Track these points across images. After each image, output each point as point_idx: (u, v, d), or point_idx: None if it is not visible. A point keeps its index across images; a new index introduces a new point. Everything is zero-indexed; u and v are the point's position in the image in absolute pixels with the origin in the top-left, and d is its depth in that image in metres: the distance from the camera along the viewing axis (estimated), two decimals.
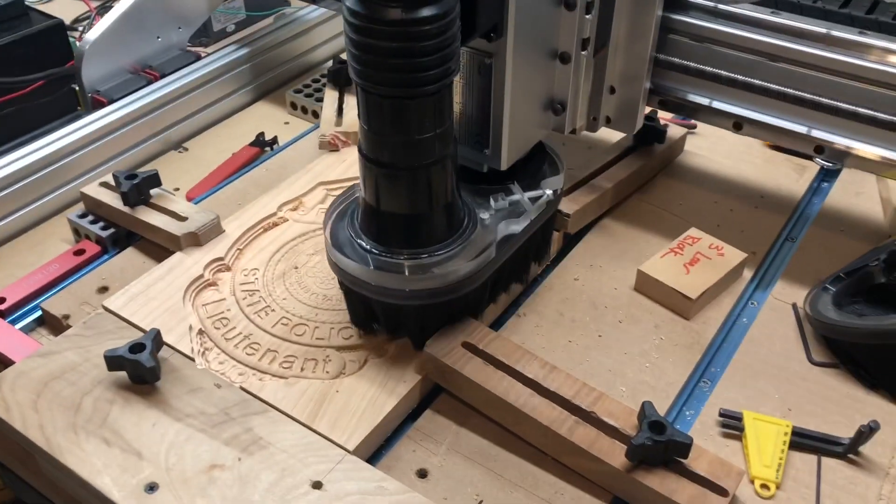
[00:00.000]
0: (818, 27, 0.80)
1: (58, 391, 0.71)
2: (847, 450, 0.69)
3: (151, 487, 0.64)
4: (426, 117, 0.63)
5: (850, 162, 0.82)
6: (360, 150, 0.68)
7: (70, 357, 0.74)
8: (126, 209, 0.89)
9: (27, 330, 0.82)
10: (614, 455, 0.65)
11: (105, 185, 0.93)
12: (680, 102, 0.89)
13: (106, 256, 0.90)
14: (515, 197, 0.77)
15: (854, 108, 0.79)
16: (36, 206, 0.96)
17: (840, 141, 0.81)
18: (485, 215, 0.75)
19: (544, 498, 0.66)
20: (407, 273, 0.69)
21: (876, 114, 0.78)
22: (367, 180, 0.69)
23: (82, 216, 0.92)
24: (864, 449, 0.69)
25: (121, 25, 1.09)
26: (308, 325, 0.77)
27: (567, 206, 0.87)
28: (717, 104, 0.87)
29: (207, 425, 0.68)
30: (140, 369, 0.70)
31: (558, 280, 0.87)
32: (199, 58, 1.16)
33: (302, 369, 0.73)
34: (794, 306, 0.83)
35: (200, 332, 0.77)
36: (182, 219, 0.87)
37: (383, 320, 0.74)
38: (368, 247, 0.71)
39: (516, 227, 0.74)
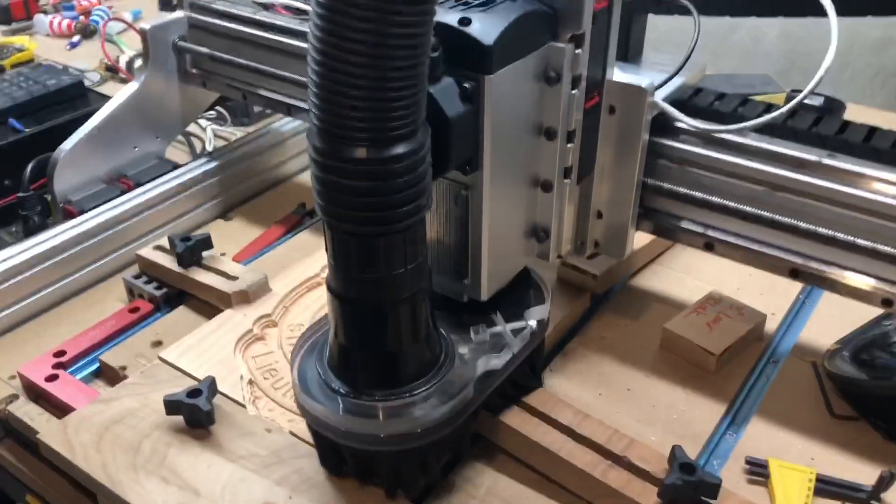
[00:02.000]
0: (815, 156, 0.75)
1: (118, 434, 0.75)
2: (870, 496, 0.72)
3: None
4: (396, 254, 0.60)
5: (828, 285, 0.78)
6: (328, 287, 0.64)
7: (129, 403, 0.78)
8: (180, 269, 0.95)
9: (86, 381, 0.87)
10: (646, 496, 0.68)
11: (159, 248, 1.00)
12: (671, 228, 0.85)
13: (158, 314, 0.96)
14: (497, 329, 0.73)
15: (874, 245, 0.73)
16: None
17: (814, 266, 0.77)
18: (464, 349, 0.71)
19: None
20: (377, 416, 0.66)
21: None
22: (335, 317, 0.65)
23: (137, 276, 0.99)
24: (887, 496, 0.72)
25: (97, 135, 1.09)
26: None
27: (594, 266, 0.92)
28: (712, 232, 0.82)
29: (259, 466, 0.72)
30: (197, 413, 0.74)
31: (586, 338, 0.91)
32: (176, 167, 1.15)
33: None
34: (814, 364, 0.87)
35: (251, 381, 0.82)
36: (233, 278, 0.93)
37: (352, 466, 0.70)
38: (337, 387, 0.67)
39: (497, 362, 0.70)
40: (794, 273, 0.78)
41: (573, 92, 0.69)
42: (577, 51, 0.67)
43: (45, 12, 1.92)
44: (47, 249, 0.96)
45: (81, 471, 0.72)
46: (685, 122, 0.79)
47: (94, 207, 1.04)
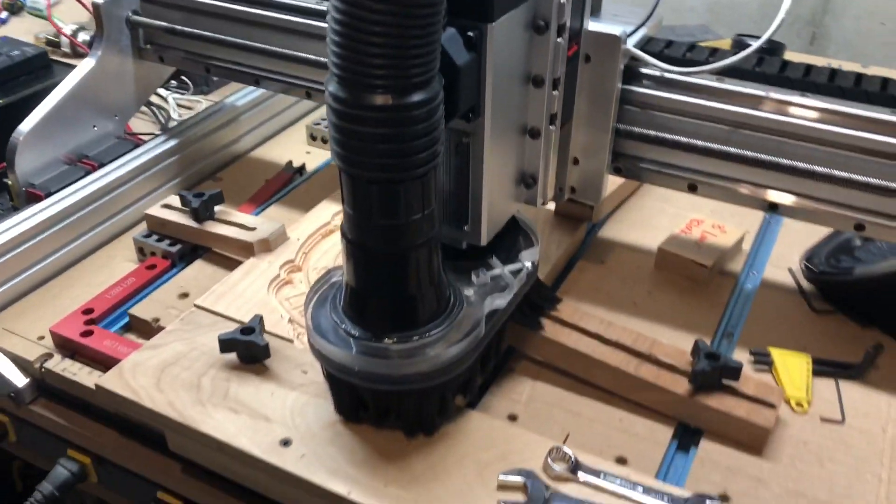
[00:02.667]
0: (769, 92, 0.80)
1: (175, 374, 0.78)
2: (859, 371, 0.83)
3: (286, 443, 0.71)
4: (414, 200, 0.62)
5: (805, 216, 0.84)
6: (343, 235, 0.66)
7: (178, 347, 0.81)
8: (196, 225, 0.97)
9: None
10: (677, 384, 0.77)
11: (167, 206, 1.01)
12: (638, 169, 0.88)
13: (175, 270, 0.98)
14: (497, 271, 0.76)
15: (793, 164, 0.80)
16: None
17: (788, 199, 0.83)
18: (469, 292, 0.74)
19: (620, 429, 0.77)
20: (398, 357, 0.68)
21: (821, 169, 0.79)
22: (352, 265, 0.67)
23: (147, 236, 1.00)
24: (872, 372, 0.83)
25: (55, 116, 1.06)
26: None
27: None
28: (672, 171, 0.86)
29: (320, 391, 0.76)
30: (253, 349, 0.78)
31: (589, 262, 0.99)
32: (137, 145, 1.13)
33: None
34: (790, 270, 0.98)
35: (290, 320, 0.85)
36: (251, 229, 0.96)
37: (373, 408, 0.72)
38: (356, 333, 0.69)
39: (501, 301, 0.74)
40: (773, 207, 0.83)
41: (558, 40, 0.72)
42: (562, 0, 0.71)
43: None
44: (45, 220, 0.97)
45: (149, 410, 0.74)
46: (660, 67, 0.82)
47: (60, 189, 1.01)
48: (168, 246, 0.98)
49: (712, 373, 0.75)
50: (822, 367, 0.83)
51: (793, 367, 0.83)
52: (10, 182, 1.05)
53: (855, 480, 0.72)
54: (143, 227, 1.02)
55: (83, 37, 1.56)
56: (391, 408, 0.72)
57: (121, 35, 1.11)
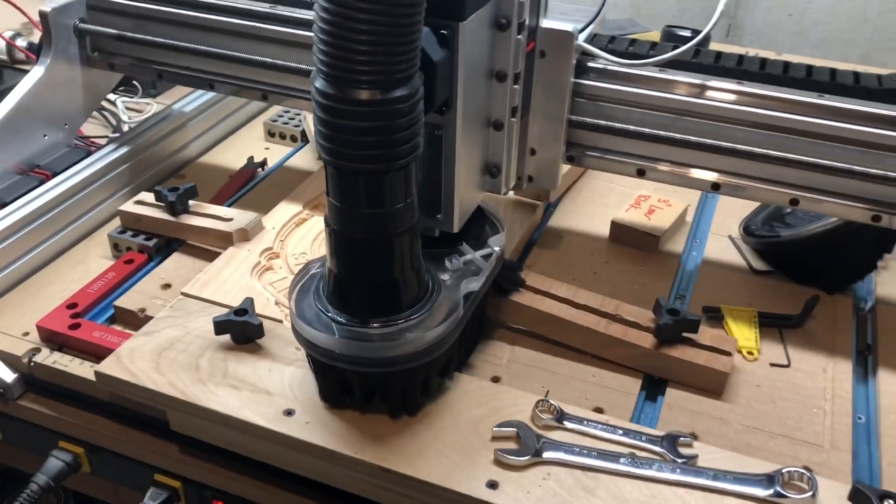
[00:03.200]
0: (703, 80, 0.86)
1: (173, 357, 0.81)
2: (799, 321, 0.92)
3: (289, 412, 0.76)
4: (398, 189, 0.66)
5: (745, 194, 0.89)
6: (328, 225, 0.69)
7: (171, 332, 0.84)
8: (172, 218, 1.00)
9: None
10: (642, 339, 0.84)
11: (139, 202, 1.04)
12: (590, 157, 0.93)
13: (153, 263, 1.00)
14: (468, 256, 0.81)
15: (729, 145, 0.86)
16: None
17: (729, 179, 0.88)
18: (444, 277, 0.78)
19: (594, 383, 0.84)
20: (382, 341, 0.71)
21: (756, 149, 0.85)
22: (337, 254, 0.70)
23: (122, 232, 1.02)
24: (811, 321, 0.92)
25: (5, 126, 1.05)
26: None
27: None
28: (622, 158, 0.91)
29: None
30: (248, 329, 0.82)
31: (548, 238, 1.07)
32: (88, 153, 1.13)
33: None
34: (730, 237, 1.07)
35: (276, 302, 0.89)
36: (228, 220, 0.99)
37: (359, 392, 0.75)
38: (341, 319, 0.72)
39: (475, 284, 0.78)
40: (715, 187, 0.89)
41: (519, 37, 0.78)
42: (521, 0, 0.76)
43: None
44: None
45: (152, 391, 0.77)
46: (611, 60, 0.87)
47: (14, 200, 1.01)
48: (144, 241, 1.01)
49: (674, 326, 0.83)
50: (767, 320, 0.92)
51: (741, 320, 0.91)
52: None
53: (803, 414, 0.81)
54: (116, 224, 1.04)
55: (21, 42, 1.56)
56: (376, 391, 0.75)
57: (69, 43, 1.10)
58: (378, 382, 0.74)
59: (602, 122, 0.90)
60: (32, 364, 0.87)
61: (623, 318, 0.86)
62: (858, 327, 0.94)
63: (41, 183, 1.04)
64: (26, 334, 0.90)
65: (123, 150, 1.13)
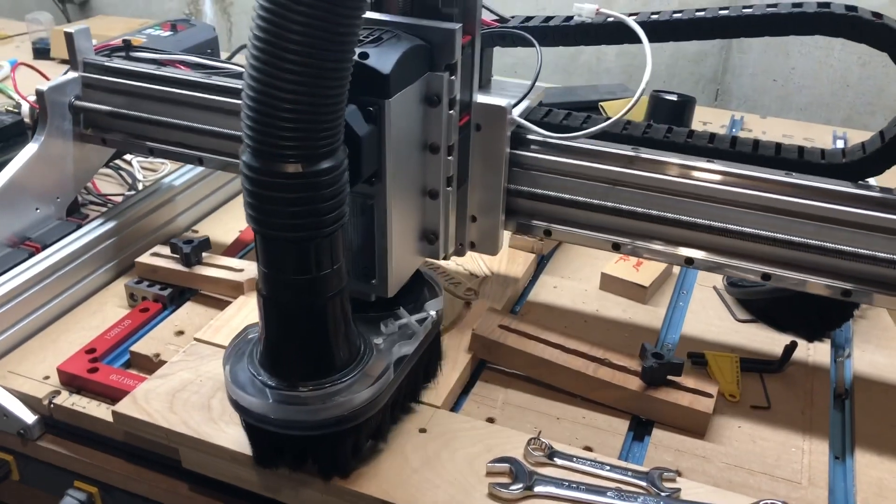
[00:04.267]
0: (636, 153, 0.89)
1: (185, 399, 0.86)
2: (779, 366, 0.97)
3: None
4: (324, 257, 0.68)
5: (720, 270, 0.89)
6: (259, 292, 0.71)
7: (184, 375, 0.89)
8: (186, 269, 1.06)
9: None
10: (629, 382, 0.89)
11: (156, 254, 1.10)
12: (531, 226, 0.95)
13: (167, 311, 1.06)
14: (403, 321, 0.82)
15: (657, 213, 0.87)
16: None
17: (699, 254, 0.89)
18: (378, 340, 0.79)
19: (584, 424, 0.89)
20: (312, 404, 0.73)
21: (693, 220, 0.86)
22: (267, 319, 0.72)
23: (138, 282, 1.08)
24: (790, 366, 0.97)
25: None
26: None
27: None
28: (563, 227, 0.93)
29: None
30: None
31: (542, 289, 1.12)
32: (79, 226, 1.14)
33: None
34: (715, 287, 1.13)
35: None
36: (239, 270, 1.05)
37: (290, 455, 0.77)
38: (271, 383, 0.73)
39: (408, 348, 0.80)
40: (616, 246, 0.91)
41: (450, 112, 0.81)
42: (451, 77, 0.79)
43: None
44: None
45: (165, 429, 0.82)
46: (541, 133, 0.90)
47: (3, 273, 1.02)
48: (159, 290, 1.07)
49: (659, 369, 0.88)
50: (749, 365, 0.97)
51: (724, 365, 0.96)
52: None
53: (782, 453, 0.86)
54: (110, 291, 1.11)
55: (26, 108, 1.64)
56: (307, 453, 0.77)
57: (63, 120, 1.13)
58: (308, 445, 0.76)
59: (538, 191, 0.92)
60: (52, 406, 0.92)
61: (611, 363, 0.91)
62: (836, 372, 0.98)
63: (31, 255, 1.06)
64: (47, 378, 0.95)
65: (112, 223, 1.14)
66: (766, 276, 0.86)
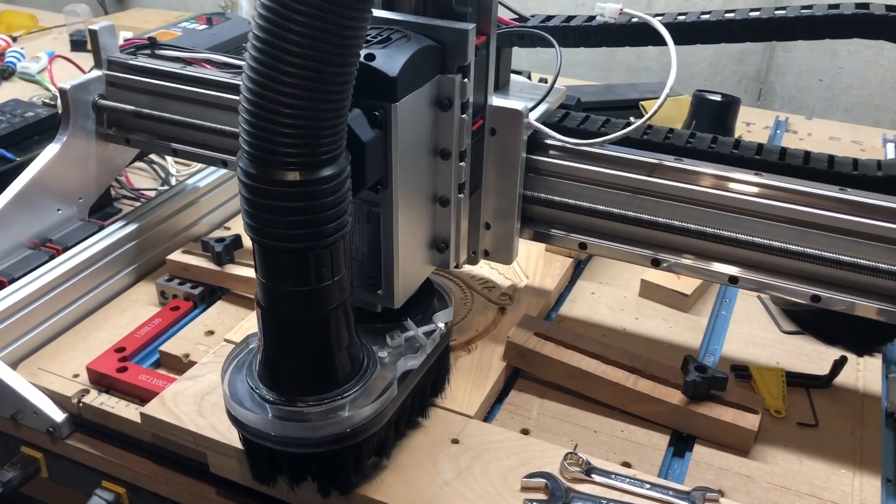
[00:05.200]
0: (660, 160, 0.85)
1: (214, 402, 0.84)
2: (826, 381, 0.93)
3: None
4: (324, 268, 0.65)
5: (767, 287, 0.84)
6: (258, 303, 0.68)
7: (214, 377, 0.88)
8: (217, 268, 1.04)
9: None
10: (671, 396, 0.86)
11: (187, 252, 1.09)
12: (548, 234, 0.91)
13: (198, 310, 1.04)
14: (410, 333, 0.78)
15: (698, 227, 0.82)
16: None
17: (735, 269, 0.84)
18: (383, 353, 0.76)
19: (622, 438, 0.86)
20: (311, 420, 0.70)
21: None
22: (266, 331, 0.70)
23: (169, 280, 1.07)
24: (837, 381, 0.93)
25: (21, 200, 1.05)
26: None
27: None
28: (583, 236, 0.89)
29: None
30: None
31: (579, 295, 1.09)
32: (101, 227, 1.12)
33: None
34: (759, 297, 1.09)
35: None
36: None
37: (288, 471, 0.74)
38: (270, 397, 0.71)
39: (414, 362, 0.76)
40: (656, 263, 0.86)
41: (463, 116, 0.78)
42: (464, 80, 0.76)
43: None
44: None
45: (193, 433, 0.81)
46: (557, 138, 0.86)
47: (23, 275, 1.00)
48: (190, 289, 1.05)
49: (702, 383, 0.84)
50: (795, 379, 0.93)
51: (769, 379, 0.93)
52: None
53: (831, 474, 0.82)
54: (165, 273, 1.09)
55: None
56: (306, 469, 0.74)
57: (87, 119, 1.11)
58: (307, 461, 0.74)
59: (556, 199, 0.88)
60: (81, 405, 0.91)
61: (652, 375, 0.88)
62: (888, 390, 0.94)
63: (51, 258, 1.05)
64: (76, 376, 0.94)
65: (134, 226, 1.11)
66: (815, 298, 0.82)
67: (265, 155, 0.60)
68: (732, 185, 0.82)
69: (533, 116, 0.86)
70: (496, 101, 0.84)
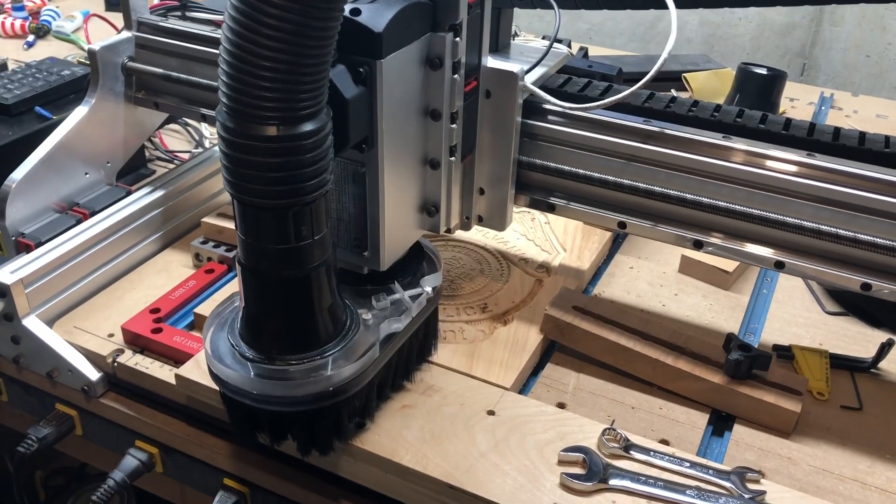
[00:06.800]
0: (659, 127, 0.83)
1: None
2: (871, 364, 0.90)
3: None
4: (304, 226, 0.64)
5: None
6: (238, 262, 0.68)
7: None
8: None
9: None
10: (711, 374, 0.84)
11: (222, 214, 1.08)
12: (544, 201, 0.90)
13: (232, 273, 1.04)
14: (396, 296, 0.77)
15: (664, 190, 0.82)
16: None
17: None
18: (367, 316, 0.75)
19: (660, 415, 0.84)
20: (291, 379, 0.69)
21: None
22: (246, 289, 0.69)
23: (204, 242, 1.06)
24: (882, 364, 0.91)
25: (48, 162, 1.03)
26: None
27: None
28: (575, 204, 0.88)
29: None
30: None
31: (617, 269, 1.07)
32: (128, 193, 1.10)
33: (445, 338, 0.90)
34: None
35: None
36: None
37: (269, 430, 0.74)
38: (251, 355, 0.70)
39: (398, 325, 0.75)
40: (698, 245, 0.84)
41: (455, 76, 0.76)
42: (455, 39, 0.74)
43: None
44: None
45: None
46: (553, 102, 0.84)
47: (50, 239, 0.99)
48: (224, 251, 1.05)
49: (745, 362, 0.82)
50: (839, 361, 0.91)
51: (812, 361, 0.90)
52: None
53: (876, 459, 0.80)
54: (200, 235, 1.08)
55: None
56: (287, 428, 0.74)
57: (116, 82, 1.09)
58: (287, 420, 0.73)
59: (551, 165, 0.86)
60: (116, 364, 0.91)
61: (692, 352, 0.86)
62: None
63: (78, 222, 1.03)
64: (111, 336, 0.94)
65: (161, 192, 1.09)
66: (865, 286, 0.79)
67: (243, 108, 0.59)
68: (778, 165, 0.79)
69: (529, 80, 0.84)
70: (492, 62, 0.82)
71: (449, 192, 0.83)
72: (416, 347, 0.83)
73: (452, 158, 0.80)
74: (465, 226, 0.90)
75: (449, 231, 0.86)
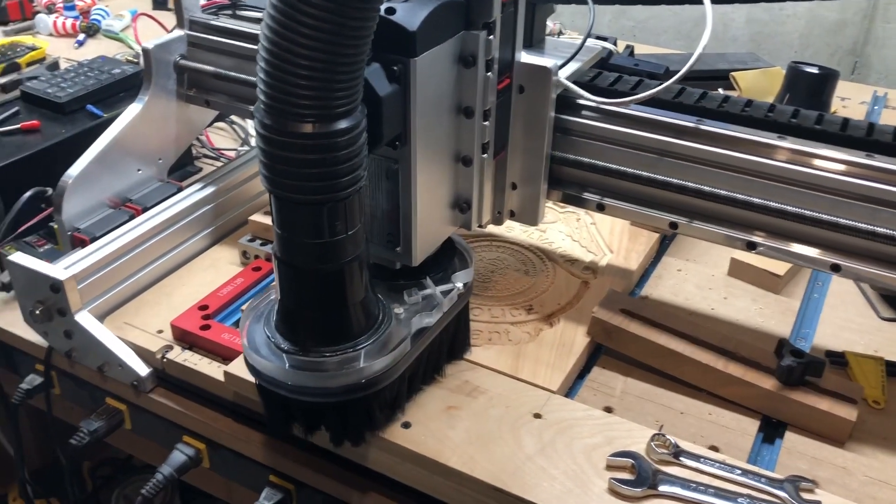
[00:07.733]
0: (692, 122, 0.82)
1: None
2: None
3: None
4: (338, 221, 0.66)
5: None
6: (274, 255, 0.70)
7: None
8: None
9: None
10: (763, 380, 0.82)
11: (269, 212, 1.08)
12: (578, 196, 0.90)
13: None
14: (428, 291, 0.79)
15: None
16: None
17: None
18: (399, 310, 0.77)
19: (710, 421, 0.83)
20: (324, 371, 0.71)
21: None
22: (282, 282, 0.71)
23: (251, 240, 1.07)
24: None
25: (102, 159, 1.05)
26: (482, 309, 0.94)
27: None
28: (610, 200, 0.88)
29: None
30: None
31: (665, 271, 1.06)
32: (180, 189, 1.12)
33: (490, 339, 0.89)
34: (855, 280, 1.04)
35: None
36: None
37: (302, 421, 0.76)
38: (286, 346, 0.72)
39: (430, 319, 0.77)
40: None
41: (488, 74, 0.76)
42: (489, 37, 0.74)
43: (48, 10, 1.94)
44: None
45: None
46: (585, 97, 0.84)
47: (104, 234, 1.01)
48: (272, 249, 1.05)
49: (797, 368, 0.81)
50: (895, 369, 0.89)
51: (867, 368, 0.88)
52: (55, 226, 1.05)
53: None
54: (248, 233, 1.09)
55: None
56: (320, 419, 0.76)
57: (168, 80, 1.11)
58: (320, 411, 0.75)
59: (585, 160, 0.86)
60: (165, 360, 0.92)
61: (743, 357, 0.85)
62: None
63: (131, 218, 1.05)
64: (160, 332, 0.96)
65: (212, 188, 1.10)
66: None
67: (280, 106, 0.61)
68: (835, 166, 0.77)
69: (563, 75, 0.84)
70: (525, 57, 0.82)
71: (481, 188, 0.83)
72: (448, 342, 0.84)
73: (485, 155, 0.81)
74: (498, 220, 0.90)
75: (481, 227, 0.87)
